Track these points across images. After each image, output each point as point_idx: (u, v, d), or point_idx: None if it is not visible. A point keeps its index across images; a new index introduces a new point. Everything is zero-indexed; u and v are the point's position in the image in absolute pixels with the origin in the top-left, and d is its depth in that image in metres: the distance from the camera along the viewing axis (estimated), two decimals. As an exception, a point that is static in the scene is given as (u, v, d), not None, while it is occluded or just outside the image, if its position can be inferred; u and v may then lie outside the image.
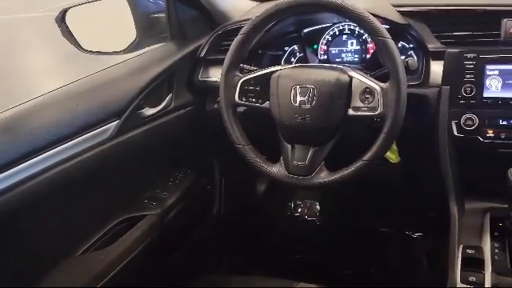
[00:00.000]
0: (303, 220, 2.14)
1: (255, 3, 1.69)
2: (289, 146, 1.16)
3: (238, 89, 1.19)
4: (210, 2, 1.55)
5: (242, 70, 1.24)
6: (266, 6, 1.18)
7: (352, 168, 1.09)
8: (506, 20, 1.17)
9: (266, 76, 1.17)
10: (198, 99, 1.56)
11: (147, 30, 1.62)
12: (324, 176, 1.12)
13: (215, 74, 1.51)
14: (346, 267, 1.89)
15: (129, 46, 1.52)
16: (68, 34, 1.36)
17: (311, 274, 1.81)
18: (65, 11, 1.35)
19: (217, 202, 1.89)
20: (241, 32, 1.18)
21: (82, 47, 1.41)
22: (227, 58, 1.20)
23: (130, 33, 1.53)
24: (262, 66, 1.28)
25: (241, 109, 1.27)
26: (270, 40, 1.50)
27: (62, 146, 1.12)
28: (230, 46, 1.20)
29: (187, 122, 1.55)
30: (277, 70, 1.17)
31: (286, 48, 1.56)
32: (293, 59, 1.55)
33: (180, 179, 1.64)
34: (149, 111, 1.38)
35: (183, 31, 1.56)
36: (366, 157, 1.07)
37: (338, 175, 1.10)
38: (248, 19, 1.20)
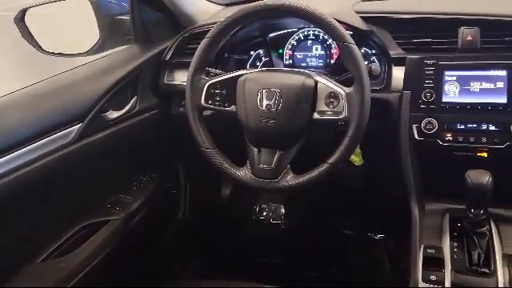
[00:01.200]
0: (268, 223, 2.15)
1: (221, 7, 1.70)
2: (255, 150, 1.16)
3: (204, 92, 1.19)
4: (176, 4, 1.54)
5: (208, 74, 1.24)
6: (232, 10, 1.19)
7: (317, 171, 1.10)
8: (463, 28, 1.22)
9: (233, 79, 1.17)
10: (163, 103, 1.55)
11: (111, 32, 1.59)
12: (290, 179, 1.13)
13: (181, 78, 1.50)
14: (310, 269, 1.91)
15: (92, 47, 1.49)
16: (27, 34, 1.33)
17: (276, 277, 1.82)
18: (24, 11, 1.31)
19: (182, 206, 1.88)
20: (207, 35, 1.18)
21: (42, 48, 1.37)
22: (193, 61, 1.19)
23: (92, 34, 1.50)
24: (227, 70, 1.28)
25: (207, 112, 1.26)
26: (236, 44, 1.51)
27: (22, 150, 1.08)
28: (195, 49, 1.20)
29: (152, 126, 1.53)
30: (243, 74, 1.17)
31: (252, 52, 1.57)
32: (258, 63, 1.56)
33: (144, 183, 1.62)
34: (113, 114, 1.36)
35: (148, 34, 1.54)
36: (331, 160, 1.09)
37: (303, 178, 1.11)
38: (214, 23, 1.20)
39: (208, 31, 1.19)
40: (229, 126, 1.20)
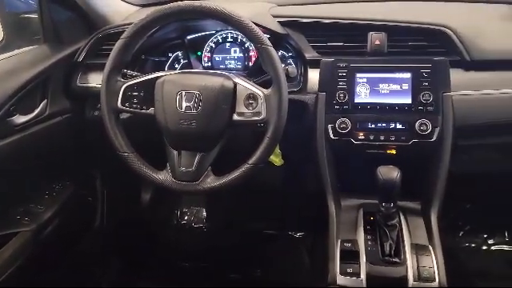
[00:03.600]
0: (190, 227, 2.13)
1: (137, 8, 1.66)
2: (175, 153, 1.15)
3: (120, 95, 1.16)
4: (89, 4, 1.48)
5: (124, 76, 1.20)
6: (148, 11, 1.16)
7: (238, 172, 1.11)
8: (371, 33, 1.31)
9: (151, 82, 1.15)
10: (76, 106, 1.48)
11: (17, 31, 1.50)
12: (211, 181, 1.13)
13: (95, 80, 1.44)
14: (233, 271, 1.92)
15: (-6, 47, 1.39)
16: None
17: (200, 281, 1.81)
18: None
19: (99, 213, 1.80)
20: (122, 36, 1.15)
21: None
22: (108, 62, 1.15)
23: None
24: (145, 72, 1.25)
25: (124, 115, 1.23)
26: (154, 45, 1.48)
27: None
28: (110, 50, 1.16)
29: (65, 130, 1.45)
30: (161, 76, 1.15)
31: (170, 54, 1.55)
32: (177, 65, 1.55)
33: (57, 191, 1.53)
34: (20, 119, 1.28)
35: (58, 33, 1.47)
36: (251, 160, 1.10)
37: (224, 180, 1.12)
38: (130, 23, 1.16)
39: (123, 32, 1.15)
40: (147, 129, 1.17)
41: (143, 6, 1.68)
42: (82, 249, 1.68)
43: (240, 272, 1.91)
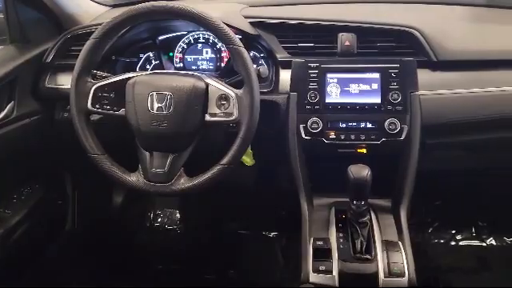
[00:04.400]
0: (164, 230, 2.12)
1: (107, 8, 1.64)
2: (147, 154, 1.14)
3: (90, 96, 1.14)
4: (57, 3, 1.45)
5: (94, 77, 1.19)
6: (119, 11, 1.15)
7: (210, 173, 1.11)
8: (341, 34, 1.33)
9: (122, 82, 1.14)
10: (45, 107, 1.45)
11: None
12: (183, 182, 1.13)
13: (64, 81, 1.42)
14: (208, 273, 1.92)
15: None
16: None
17: (174, 282, 1.80)
18: None
19: (70, 217, 1.77)
20: (92, 36, 1.13)
21: None
22: (78, 63, 1.14)
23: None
24: (115, 73, 1.24)
25: (95, 117, 1.21)
26: (124, 46, 1.46)
27: None
28: (80, 50, 1.15)
29: (33, 132, 1.42)
30: (133, 77, 1.14)
31: (141, 55, 1.53)
32: (148, 66, 1.53)
33: (26, 195, 1.50)
34: (-14, 121, 1.24)
35: (25, 34, 1.44)
36: (224, 161, 1.11)
37: (197, 181, 1.12)
38: (99, 24, 1.15)
39: (93, 32, 1.14)
40: (118, 131, 1.16)
41: (114, 6, 1.66)
42: (51, 254, 1.64)
43: (215, 273, 1.91)
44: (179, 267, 1.96)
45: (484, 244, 2.02)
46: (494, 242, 2.02)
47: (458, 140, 1.36)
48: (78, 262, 1.81)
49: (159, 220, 2.14)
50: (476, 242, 2.03)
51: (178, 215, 2.13)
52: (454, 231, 2.04)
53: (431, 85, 1.29)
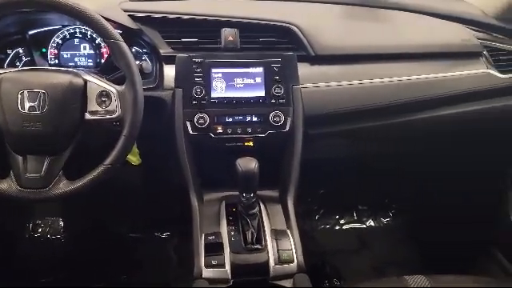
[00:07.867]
0: (46, 239, 1.97)
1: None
2: (20, 158, 1.06)
3: None
4: None
5: None
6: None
7: (93, 174, 1.06)
8: (224, 29, 1.34)
9: None
10: None
11: None
12: (63, 186, 1.06)
13: None
14: (97, 280, 1.82)
15: None
16: None
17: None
18: None
19: None
20: None
21: None
22: None
23: None
24: (-21, 70, 1.11)
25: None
26: (-12, 41, 1.32)
27: None
28: None
29: None
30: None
31: (9, 51, 1.39)
32: (18, 63, 1.40)
33: None
34: None
35: None
36: (107, 161, 1.06)
37: (78, 184, 1.06)
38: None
39: None
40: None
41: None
42: None
43: (104, 280, 1.82)
44: (67, 276, 1.83)
45: (364, 226, 2.19)
46: (372, 224, 2.20)
47: (337, 129, 1.44)
48: None
49: (40, 230, 1.98)
50: (357, 225, 2.20)
51: (61, 223, 1.99)
52: (337, 216, 2.19)
53: (311, 78, 1.35)
